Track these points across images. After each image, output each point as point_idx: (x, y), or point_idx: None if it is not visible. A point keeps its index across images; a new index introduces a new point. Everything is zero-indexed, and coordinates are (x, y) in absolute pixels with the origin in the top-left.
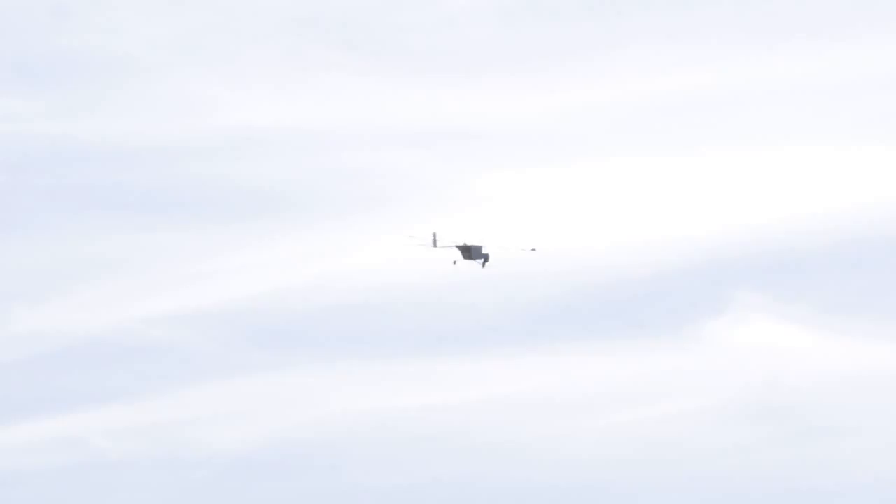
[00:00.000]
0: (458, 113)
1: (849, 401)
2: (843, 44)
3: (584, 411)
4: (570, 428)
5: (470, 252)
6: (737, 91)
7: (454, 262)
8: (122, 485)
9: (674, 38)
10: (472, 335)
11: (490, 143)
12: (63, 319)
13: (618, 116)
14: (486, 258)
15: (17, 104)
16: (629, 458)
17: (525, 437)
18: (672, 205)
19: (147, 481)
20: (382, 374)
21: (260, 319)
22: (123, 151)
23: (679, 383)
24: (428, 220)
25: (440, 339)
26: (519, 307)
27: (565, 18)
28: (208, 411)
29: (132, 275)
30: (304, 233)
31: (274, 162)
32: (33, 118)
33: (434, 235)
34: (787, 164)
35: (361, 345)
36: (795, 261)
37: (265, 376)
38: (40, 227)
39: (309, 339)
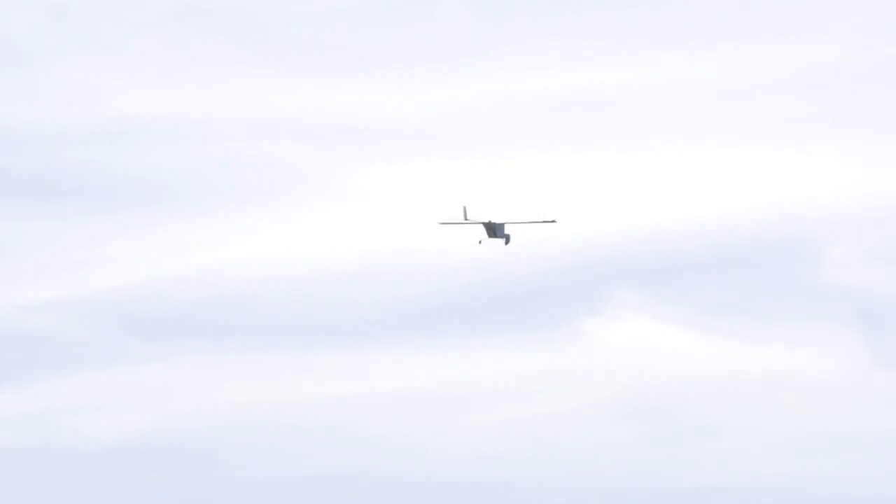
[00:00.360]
0: (344, 106)
1: (723, 401)
2: (729, 46)
3: (463, 407)
4: (448, 423)
5: (494, 230)
6: (623, 91)
7: (479, 242)
8: None
9: (562, 36)
10: (352, 329)
11: (376, 138)
12: None
13: (504, 113)
14: (508, 238)
15: None
16: (507, 454)
17: (404, 432)
18: (553, 203)
19: (20, 469)
20: (261, 366)
21: (139, 309)
22: (4, 138)
23: (557, 381)
24: (311, 212)
25: (320, 332)
26: (399, 302)
27: (454, 14)
28: (85, 400)
29: (11, 261)
30: (186, 222)
31: (157, 151)
32: None
33: (465, 209)
34: (668, 165)
35: (241, 336)
36: (673, 261)
37: (143, 366)
38: None
39: (189, 330)
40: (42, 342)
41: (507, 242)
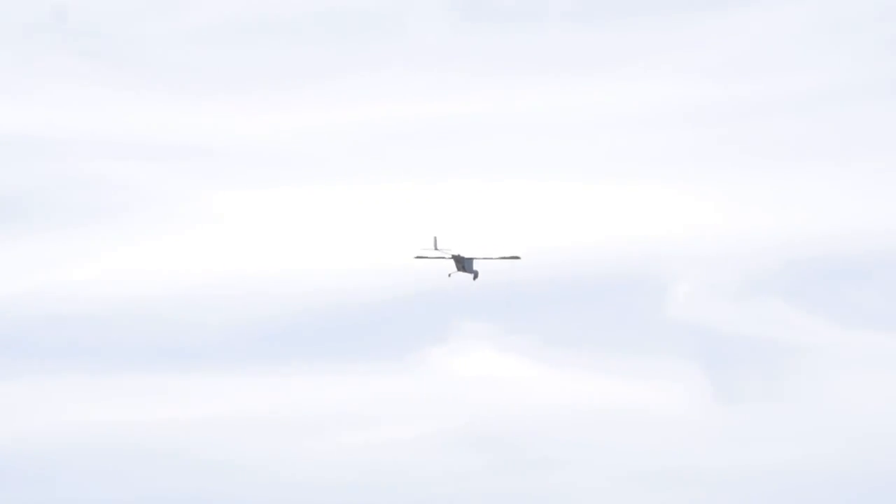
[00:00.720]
0: (198, 128)
1: (567, 433)
2: (586, 80)
3: (308, 432)
4: (292, 448)
5: (463, 265)
6: (476, 121)
7: (449, 275)
8: None
9: (416, 64)
10: (199, 351)
11: (229, 160)
12: None
13: (353, 140)
14: (476, 273)
15: None
16: (350, 481)
17: (247, 456)
18: (401, 230)
19: None
20: (106, 387)
21: None
22: None
23: (401, 409)
24: (163, 233)
25: (167, 353)
26: (247, 325)
27: (306, 39)
28: None
29: None
30: (35, 240)
31: (7, 168)
32: None
33: (435, 239)
34: (518, 196)
35: (86, 357)
36: (520, 292)
37: None
38: None
39: (33, 350)
40: None
41: (475, 277)
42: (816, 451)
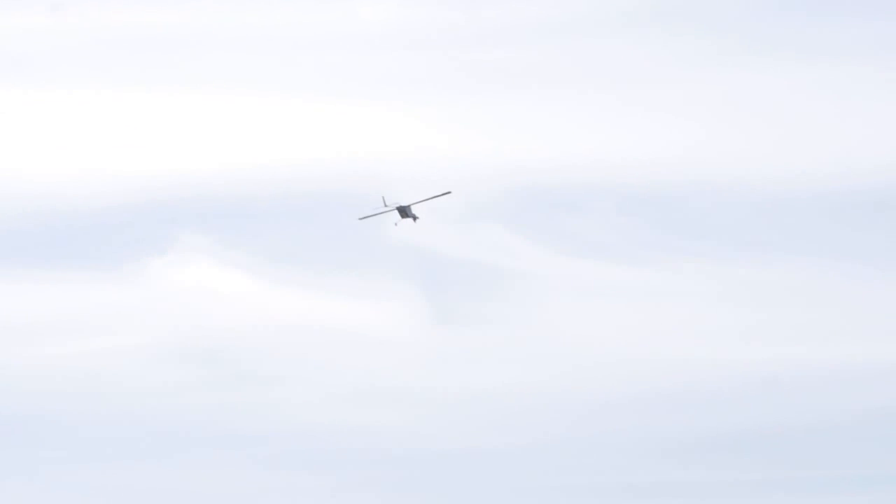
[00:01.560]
0: None
1: (285, 350)
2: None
3: (25, 340)
4: (9, 356)
5: (405, 212)
6: (202, 34)
7: (395, 224)
8: None
9: None
10: None
11: None
12: None
13: (81, 47)
14: (415, 217)
15: None
16: (64, 388)
17: None
18: (126, 140)
19: None
20: None
21: None
22: None
23: (119, 319)
24: None
25: None
26: None
27: None
28: None
29: None
30: None
31: None
32: None
33: (383, 198)
34: (241, 111)
35: None
36: (243, 208)
37: None
38: None
39: None
40: None
41: (415, 220)
42: (531, 375)
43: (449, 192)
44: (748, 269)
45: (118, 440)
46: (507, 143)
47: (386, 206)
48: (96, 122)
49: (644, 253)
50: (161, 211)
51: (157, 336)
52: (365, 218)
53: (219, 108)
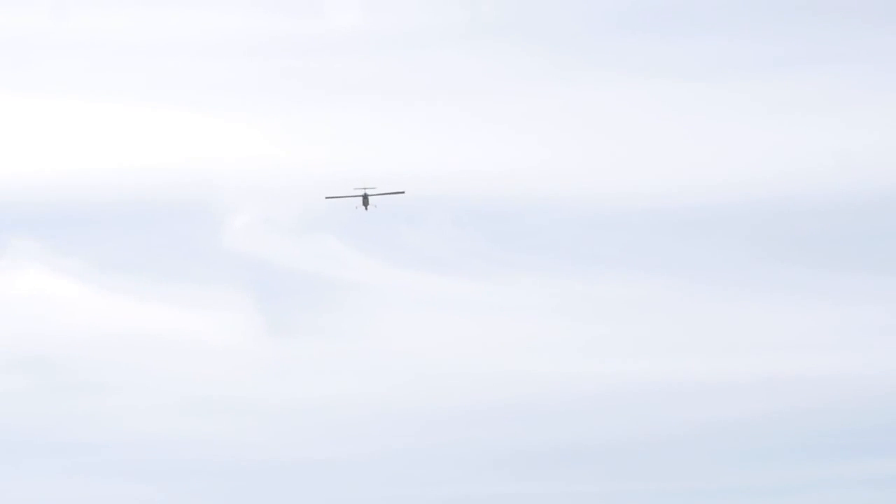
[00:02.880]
0: None
1: (115, 357)
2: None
3: None
4: None
5: (366, 200)
6: (35, 37)
7: (356, 207)
8: None
9: None
10: None
11: None
12: None
13: None
14: (367, 206)
15: None
16: None
17: None
18: None
19: None
20: None
21: None
22: None
23: None
24: None
25: None
26: None
27: None
28: None
29: None
30: None
31: None
32: None
33: (358, 185)
34: (75, 116)
35: None
36: (75, 214)
37: None
38: None
39: None
40: None
41: (366, 209)
42: (365, 386)
43: (403, 192)
44: (584, 284)
45: None
46: (342, 152)
47: (355, 190)
48: None
49: (480, 266)
50: None
51: None
52: (332, 198)
53: (51, 112)
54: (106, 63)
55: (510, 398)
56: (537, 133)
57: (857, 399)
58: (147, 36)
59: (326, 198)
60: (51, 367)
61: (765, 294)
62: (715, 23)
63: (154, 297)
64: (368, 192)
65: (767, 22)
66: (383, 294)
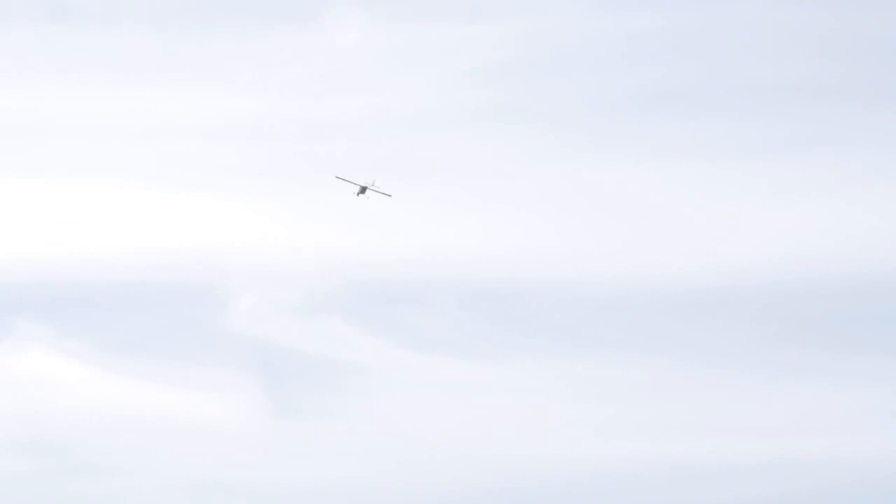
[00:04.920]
0: None
1: (120, 440)
2: (157, 86)
3: None
4: None
5: (364, 190)
6: (45, 120)
7: (356, 194)
8: None
9: None
10: None
11: None
12: None
13: None
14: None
15: None
16: None
17: None
18: None
19: None
20: None
21: None
22: None
23: None
24: None
25: None
26: None
27: None
28: None
29: None
30: None
31: None
32: None
33: (366, 179)
34: (80, 199)
35: None
36: (79, 296)
37: None
38: None
39: None
40: None
41: (364, 194)
42: (369, 469)
43: (390, 195)
44: (590, 366)
45: None
46: (347, 235)
47: (361, 184)
48: None
49: (485, 348)
50: None
51: None
52: (340, 179)
53: (57, 195)
54: (111, 146)
55: (516, 481)
56: (542, 214)
57: (864, 482)
58: (153, 119)
59: (336, 177)
60: (55, 449)
61: (771, 376)
62: (722, 104)
63: (159, 378)
64: (369, 186)
65: (774, 103)
66: (389, 376)
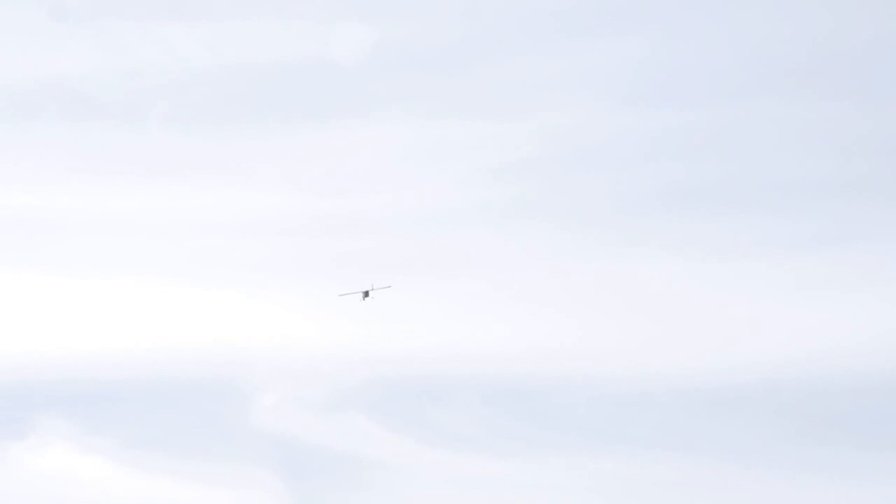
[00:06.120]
0: None
1: None
2: (183, 183)
3: None
4: None
5: (367, 294)
6: (63, 216)
7: (362, 299)
8: None
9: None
10: None
11: None
12: None
13: None
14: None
15: None
16: None
17: None
18: None
19: None
20: None
21: None
22: None
23: None
24: None
25: None
26: None
27: None
28: None
29: None
30: None
31: None
32: None
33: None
34: (104, 295)
35: None
36: (103, 392)
37: None
38: None
39: None
40: None
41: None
42: None
43: (389, 286)
44: (614, 464)
45: None
46: (371, 331)
47: (363, 289)
48: None
49: (509, 445)
50: (20, 394)
51: None
52: (344, 295)
53: (82, 291)
54: (136, 241)
55: None
56: (567, 311)
57: None
58: (178, 215)
59: (339, 295)
60: None
61: (795, 474)
62: (747, 201)
63: (183, 475)
64: (369, 290)
65: (799, 201)
66: (412, 473)
